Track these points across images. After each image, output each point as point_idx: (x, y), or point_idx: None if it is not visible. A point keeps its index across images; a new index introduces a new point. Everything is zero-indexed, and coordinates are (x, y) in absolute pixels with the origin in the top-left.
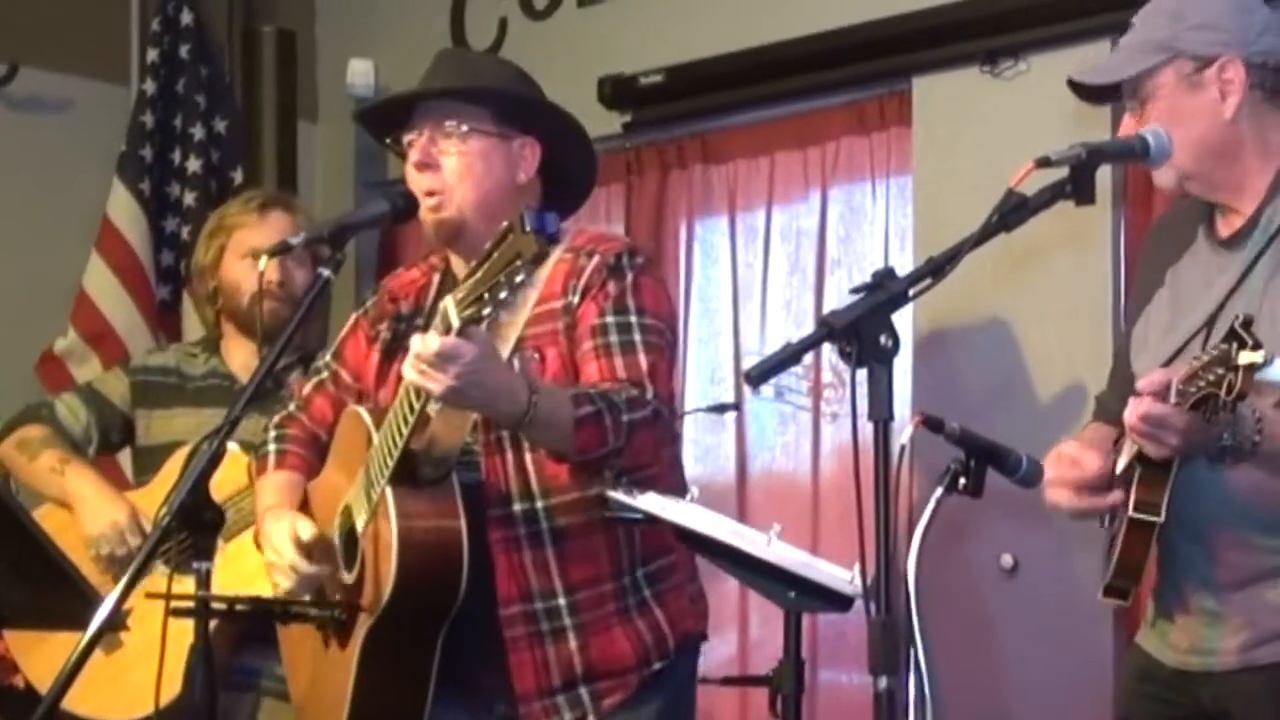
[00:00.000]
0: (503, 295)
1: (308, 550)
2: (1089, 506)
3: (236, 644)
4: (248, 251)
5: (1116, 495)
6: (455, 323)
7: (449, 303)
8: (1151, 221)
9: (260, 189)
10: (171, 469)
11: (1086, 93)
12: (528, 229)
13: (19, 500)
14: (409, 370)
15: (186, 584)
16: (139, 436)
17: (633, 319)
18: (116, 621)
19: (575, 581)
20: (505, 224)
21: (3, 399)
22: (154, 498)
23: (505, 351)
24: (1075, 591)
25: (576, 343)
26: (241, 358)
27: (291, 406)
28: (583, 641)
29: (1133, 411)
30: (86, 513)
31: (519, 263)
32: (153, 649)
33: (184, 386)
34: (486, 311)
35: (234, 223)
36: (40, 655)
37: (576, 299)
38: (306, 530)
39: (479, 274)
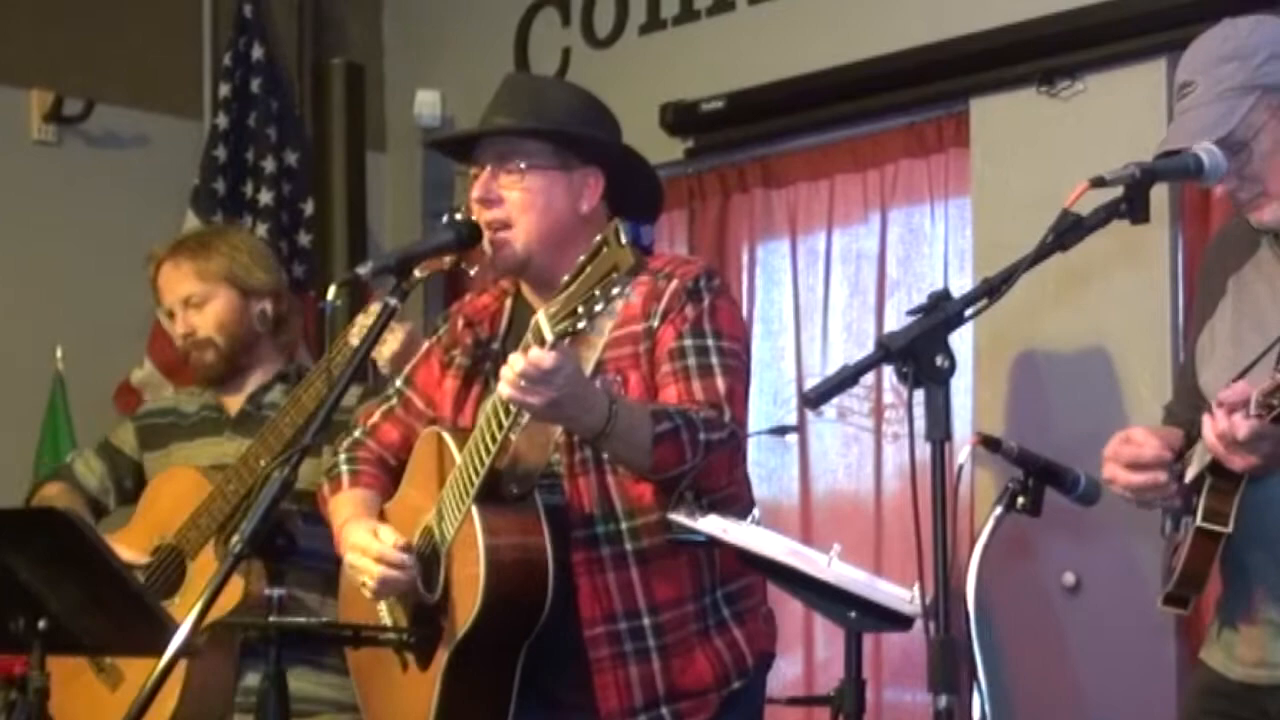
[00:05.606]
0: (598, 308)
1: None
2: (1140, 481)
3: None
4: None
5: (1168, 479)
6: (549, 336)
7: (541, 317)
8: (1209, 238)
9: (184, 231)
10: (145, 502)
11: None
12: (624, 241)
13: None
14: (505, 387)
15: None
16: (148, 479)
17: (710, 342)
18: (192, 647)
19: (659, 602)
20: (599, 237)
21: (82, 429)
22: (131, 536)
23: (585, 373)
24: (1138, 609)
25: (656, 366)
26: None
27: (357, 433)
28: (665, 662)
29: (1231, 427)
30: None
31: (615, 275)
32: (148, 669)
33: (179, 424)
34: (581, 325)
35: (152, 278)
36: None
37: (657, 322)
38: (389, 534)
39: (573, 288)
